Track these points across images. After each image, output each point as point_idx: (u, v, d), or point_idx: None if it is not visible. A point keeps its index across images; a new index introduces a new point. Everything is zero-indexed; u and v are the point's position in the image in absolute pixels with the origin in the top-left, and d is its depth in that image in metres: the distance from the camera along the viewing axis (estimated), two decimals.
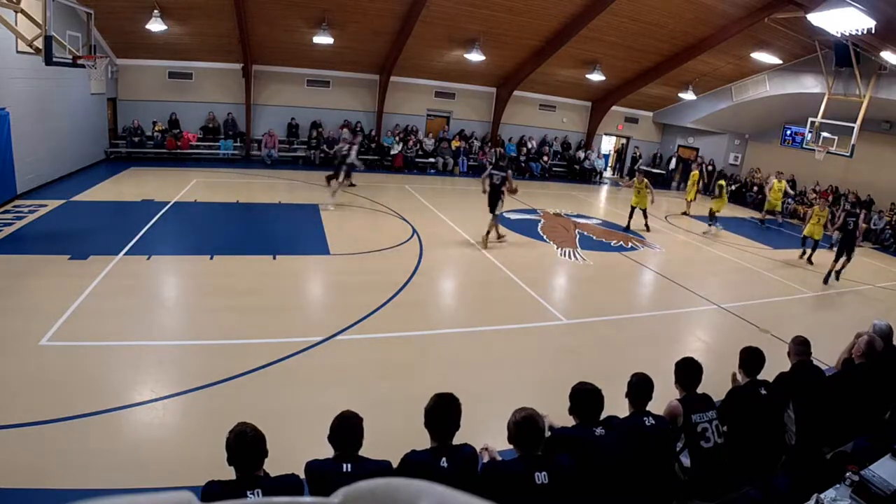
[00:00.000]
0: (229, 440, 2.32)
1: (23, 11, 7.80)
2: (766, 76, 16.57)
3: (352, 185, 13.71)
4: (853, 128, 13.89)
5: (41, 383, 4.41)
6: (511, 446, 2.60)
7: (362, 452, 2.52)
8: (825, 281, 9.81)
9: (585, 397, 2.89)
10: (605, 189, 19.49)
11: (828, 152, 14.75)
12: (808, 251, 11.26)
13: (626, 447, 2.87)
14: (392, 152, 17.61)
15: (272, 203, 11.74)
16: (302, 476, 2.49)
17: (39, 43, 7.65)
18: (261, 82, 16.57)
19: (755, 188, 18.53)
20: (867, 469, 2.98)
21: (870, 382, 3.89)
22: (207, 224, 9.83)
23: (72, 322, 5.47)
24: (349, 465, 2.42)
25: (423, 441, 2.62)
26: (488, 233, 9.75)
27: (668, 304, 7.97)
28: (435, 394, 2.65)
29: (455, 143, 18.65)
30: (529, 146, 19.70)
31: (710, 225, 13.28)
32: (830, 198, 15.26)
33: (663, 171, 21.19)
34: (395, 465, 2.56)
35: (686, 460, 3.24)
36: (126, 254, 7.63)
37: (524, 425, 2.53)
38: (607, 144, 22.72)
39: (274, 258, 8.07)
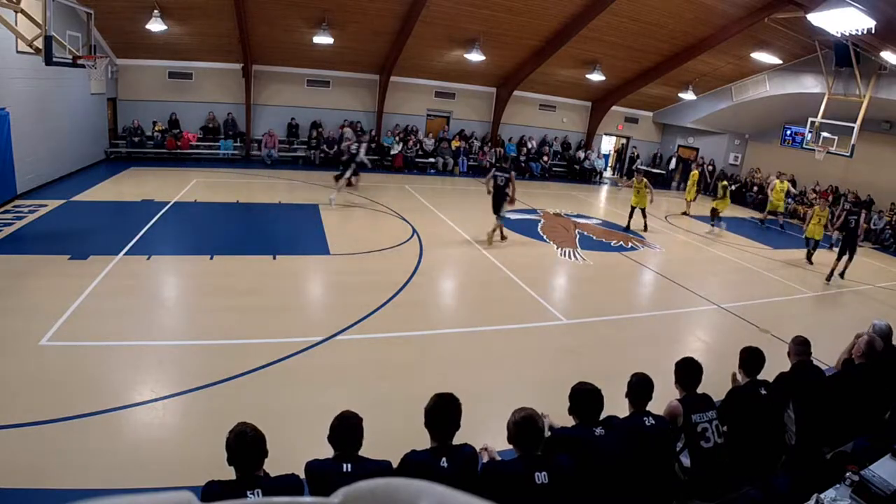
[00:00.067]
0: (229, 440, 2.32)
1: (23, 11, 7.81)
2: (766, 76, 16.58)
3: (349, 184, 13.71)
4: (853, 128, 13.89)
5: (41, 383, 4.41)
6: (511, 446, 2.60)
7: (362, 452, 2.52)
8: (828, 279, 9.84)
9: (585, 397, 2.89)
10: (605, 189, 19.49)
11: (828, 152, 14.74)
12: (811, 252, 11.29)
13: (626, 447, 2.87)
14: (392, 152, 17.62)
15: (272, 203, 11.74)
16: (302, 476, 2.49)
17: (39, 43, 7.65)
18: (261, 82, 16.58)
19: (755, 188, 18.53)
20: (867, 469, 2.98)
21: (870, 382, 3.89)
22: (207, 224, 9.83)
23: (72, 322, 5.47)
24: (349, 465, 2.42)
25: (423, 441, 2.62)
26: (493, 230, 9.88)
27: (668, 304, 7.97)
28: (435, 394, 2.65)
29: (455, 143, 18.66)
30: (529, 146, 19.70)
31: (712, 225, 13.28)
32: (830, 198, 15.26)
33: (663, 171, 21.20)
34: (395, 465, 2.56)
35: (686, 460, 3.24)
36: (126, 254, 7.63)
37: (524, 425, 2.53)
38: (607, 144, 22.72)
39: (274, 258, 8.07)
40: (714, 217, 13.24)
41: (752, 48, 14.78)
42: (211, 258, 7.85)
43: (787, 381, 3.74)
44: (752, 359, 3.53)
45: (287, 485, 2.40)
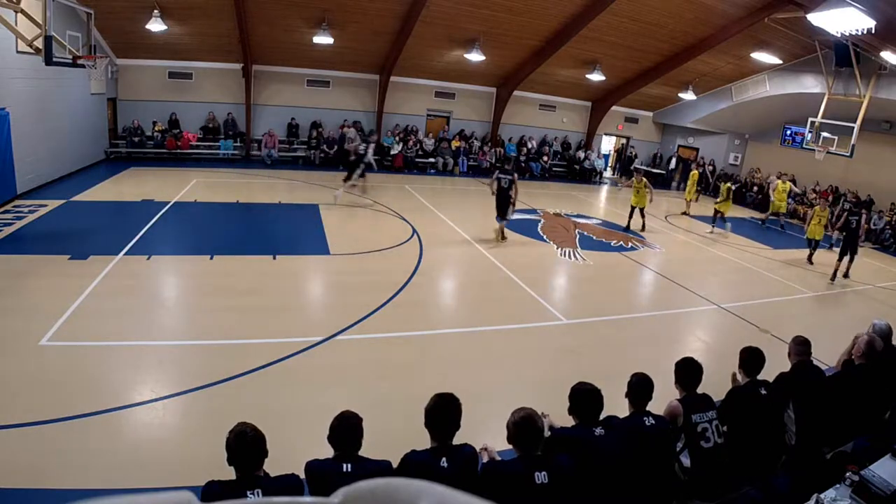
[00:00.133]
0: (229, 440, 2.32)
1: (23, 11, 7.81)
2: (766, 76, 16.57)
3: (350, 183, 13.71)
4: (853, 128, 13.88)
5: (41, 383, 4.41)
6: (511, 446, 2.60)
7: (362, 452, 2.52)
8: (832, 279, 9.88)
9: (585, 397, 2.89)
10: (604, 189, 19.49)
11: (828, 152, 14.74)
12: (812, 251, 11.31)
13: (626, 447, 2.87)
14: (392, 152, 17.61)
15: (272, 203, 11.74)
16: (302, 476, 2.49)
17: (39, 43, 7.65)
18: (261, 82, 16.58)
19: (755, 188, 18.53)
20: (867, 469, 2.98)
21: (870, 382, 3.89)
22: (207, 224, 9.83)
23: (72, 322, 5.47)
24: (349, 465, 2.42)
25: (423, 441, 2.62)
26: (500, 228, 10.13)
27: (668, 304, 7.97)
28: (435, 394, 2.65)
29: (455, 143, 18.66)
30: (529, 146, 19.70)
31: (713, 225, 13.28)
32: (830, 198, 15.26)
33: (663, 171, 21.20)
34: (395, 465, 2.56)
35: (686, 460, 3.24)
36: (126, 254, 7.63)
37: (523, 425, 2.53)
38: (607, 144, 22.72)
39: (274, 258, 8.07)
40: (716, 218, 13.23)
41: (752, 48, 14.78)
42: (211, 258, 7.85)
43: (787, 381, 3.74)
44: (752, 359, 3.53)
45: (287, 485, 2.40)
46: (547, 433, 2.85)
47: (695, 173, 15.77)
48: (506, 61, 16.84)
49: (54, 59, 7.71)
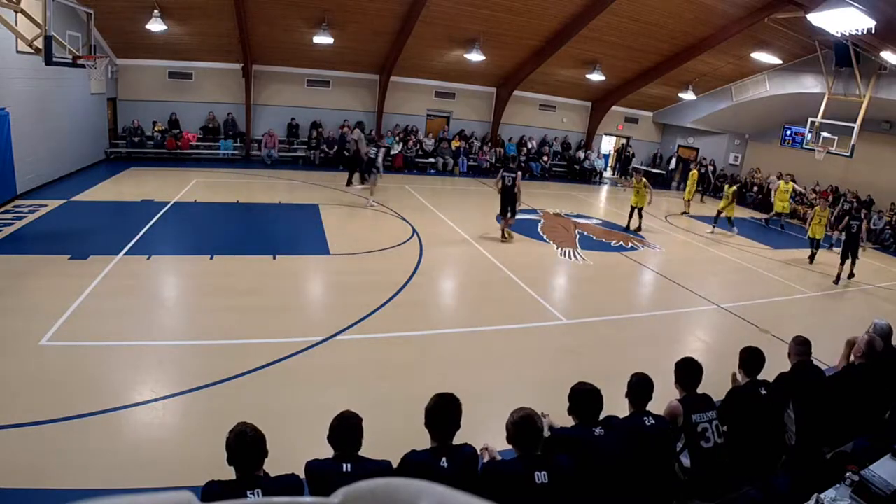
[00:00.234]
0: (229, 440, 2.32)
1: (23, 11, 7.80)
2: (766, 76, 16.57)
3: (350, 183, 13.71)
4: (853, 128, 13.88)
5: (41, 383, 4.41)
6: (510, 446, 2.60)
7: (362, 452, 2.52)
8: (835, 282, 9.89)
9: (585, 397, 2.89)
10: (605, 189, 19.49)
11: (828, 152, 14.73)
12: (814, 251, 11.34)
13: (626, 447, 2.87)
14: (392, 152, 17.60)
15: (272, 203, 11.74)
16: (302, 476, 2.49)
17: (39, 43, 7.65)
18: (261, 82, 16.58)
19: (755, 188, 18.52)
20: (867, 469, 2.98)
21: (870, 382, 3.89)
22: (207, 224, 9.83)
23: (72, 322, 5.47)
24: (349, 465, 2.42)
25: (423, 441, 2.62)
26: (506, 226, 10.31)
27: (668, 304, 7.97)
28: (435, 394, 2.65)
29: (455, 143, 18.66)
30: (529, 146, 19.70)
31: (714, 225, 13.29)
32: (831, 198, 15.25)
33: (663, 172, 21.20)
34: (395, 465, 2.56)
35: (686, 460, 3.24)
36: (126, 254, 7.63)
37: (522, 425, 2.53)
38: (607, 144, 22.72)
39: (274, 258, 8.07)
40: (718, 218, 13.22)
41: (752, 48, 14.78)
42: (211, 258, 7.85)
43: (787, 381, 3.74)
44: (752, 359, 3.53)
45: (287, 485, 2.40)
46: (547, 433, 2.85)
47: (694, 173, 15.75)
48: (506, 61, 16.84)
49: (54, 59, 7.71)
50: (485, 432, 3.64)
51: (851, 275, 10.01)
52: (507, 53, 16.21)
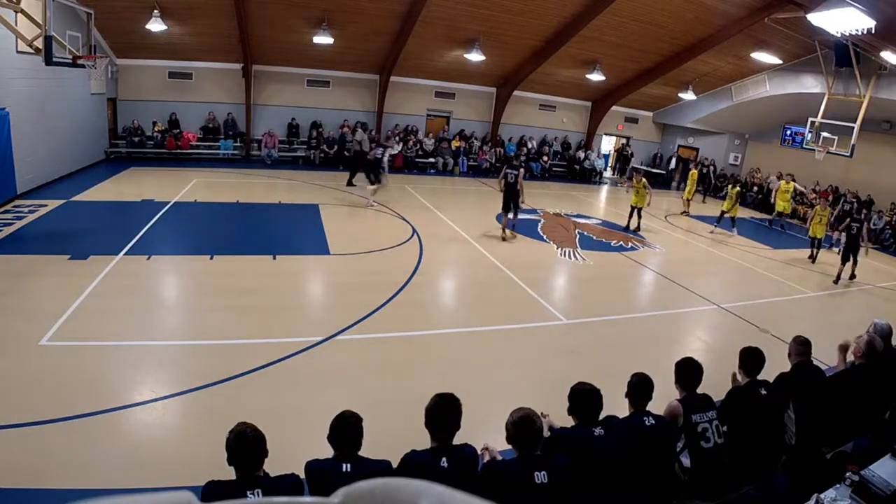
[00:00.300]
0: (229, 440, 2.32)
1: (23, 11, 7.80)
2: (766, 76, 16.57)
3: (351, 184, 13.72)
4: (853, 128, 13.88)
5: (41, 383, 4.41)
6: (510, 446, 2.60)
7: (362, 452, 2.52)
8: (835, 281, 9.91)
9: (584, 397, 2.89)
10: (605, 189, 19.49)
11: (828, 152, 14.73)
12: (815, 251, 11.34)
13: (625, 447, 2.87)
14: (392, 152, 17.60)
15: (272, 203, 11.75)
16: (302, 476, 2.49)
17: (39, 43, 7.65)
18: (261, 82, 16.58)
19: (755, 188, 18.52)
20: (867, 469, 2.98)
21: (870, 382, 3.89)
22: (207, 224, 9.83)
23: (72, 322, 5.47)
24: (349, 465, 2.42)
25: (423, 441, 2.62)
26: (506, 225, 10.38)
27: (668, 304, 7.97)
28: (435, 394, 2.65)
29: (455, 143, 18.66)
30: (529, 146, 19.70)
31: (716, 225, 13.28)
32: (831, 197, 15.24)
33: (663, 172, 21.20)
34: (395, 465, 2.56)
35: (686, 460, 3.24)
36: (126, 254, 7.63)
37: (521, 425, 2.53)
38: (607, 144, 22.72)
39: (274, 258, 8.07)
40: (721, 218, 13.22)
41: (752, 48, 14.77)
42: (211, 258, 7.85)
43: (787, 382, 3.74)
44: (752, 359, 3.53)
45: (287, 485, 2.40)
46: (546, 433, 2.85)
47: (694, 173, 15.74)
48: (506, 61, 16.84)
49: (54, 59, 7.71)
50: (485, 432, 3.64)
51: (852, 276, 10.01)
52: (507, 53, 16.21)
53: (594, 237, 11.44)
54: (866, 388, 3.86)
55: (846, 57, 13.49)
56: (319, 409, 3.45)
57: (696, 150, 21.00)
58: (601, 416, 2.93)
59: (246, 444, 2.30)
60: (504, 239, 10.26)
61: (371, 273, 7.90)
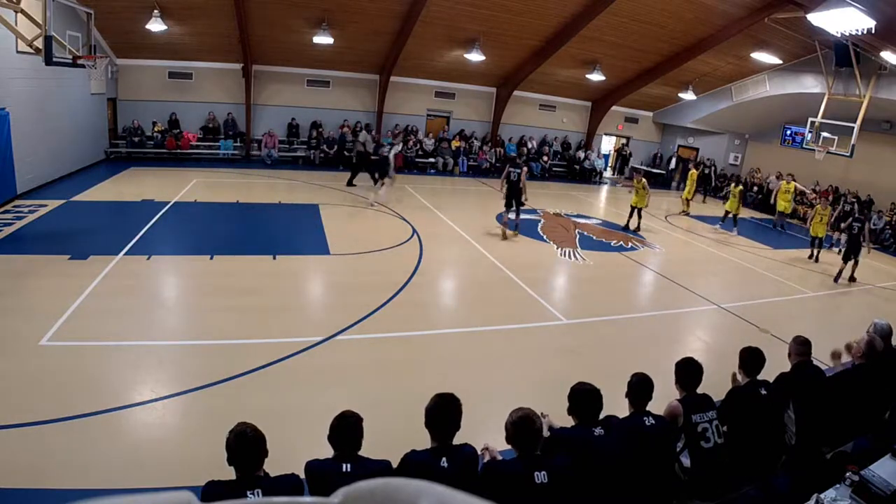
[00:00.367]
0: (229, 440, 2.32)
1: (23, 11, 7.80)
2: (766, 76, 16.57)
3: (351, 184, 13.73)
4: (853, 128, 13.88)
5: (41, 383, 4.41)
6: (510, 446, 2.60)
7: (362, 452, 2.52)
8: (835, 280, 9.92)
9: (584, 397, 2.89)
10: (605, 189, 19.49)
11: (828, 152, 14.73)
12: (815, 251, 11.34)
13: (625, 447, 2.87)
14: (393, 152, 17.59)
15: (272, 203, 11.75)
16: (302, 476, 2.49)
17: (39, 43, 7.65)
18: (261, 82, 16.57)
19: (755, 188, 18.52)
20: (867, 469, 2.98)
21: (870, 382, 3.89)
22: (207, 224, 9.83)
23: (72, 322, 5.47)
24: (349, 465, 2.42)
25: (423, 441, 2.62)
26: (506, 224, 10.49)
27: (668, 304, 7.97)
28: (435, 394, 2.65)
29: (455, 143, 18.66)
30: (529, 146, 19.70)
31: (719, 226, 13.27)
32: (831, 197, 15.24)
33: (663, 172, 21.20)
34: (395, 465, 2.56)
35: (686, 460, 3.24)
36: (126, 254, 7.63)
37: (521, 425, 2.53)
38: (607, 144, 22.71)
39: (274, 258, 8.07)
40: (726, 217, 13.21)
41: (752, 48, 14.77)
42: (211, 258, 7.85)
43: (787, 382, 3.74)
44: (752, 359, 3.53)
45: (287, 485, 2.40)
46: (546, 433, 2.85)
47: (693, 172, 15.73)
48: (506, 61, 16.84)
49: (54, 59, 7.71)
50: (485, 432, 3.64)
51: (852, 278, 10.00)
52: (507, 53, 16.21)
53: (594, 237, 11.44)
54: (866, 388, 3.86)
55: (846, 57, 13.49)
56: (319, 409, 3.45)
57: (696, 150, 21.00)
58: (601, 416, 2.93)
59: (246, 444, 2.30)
60: (504, 238, 10.26)
61: (371, 273, 7.90)
